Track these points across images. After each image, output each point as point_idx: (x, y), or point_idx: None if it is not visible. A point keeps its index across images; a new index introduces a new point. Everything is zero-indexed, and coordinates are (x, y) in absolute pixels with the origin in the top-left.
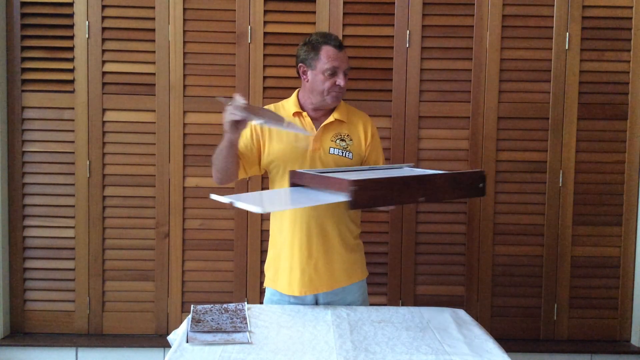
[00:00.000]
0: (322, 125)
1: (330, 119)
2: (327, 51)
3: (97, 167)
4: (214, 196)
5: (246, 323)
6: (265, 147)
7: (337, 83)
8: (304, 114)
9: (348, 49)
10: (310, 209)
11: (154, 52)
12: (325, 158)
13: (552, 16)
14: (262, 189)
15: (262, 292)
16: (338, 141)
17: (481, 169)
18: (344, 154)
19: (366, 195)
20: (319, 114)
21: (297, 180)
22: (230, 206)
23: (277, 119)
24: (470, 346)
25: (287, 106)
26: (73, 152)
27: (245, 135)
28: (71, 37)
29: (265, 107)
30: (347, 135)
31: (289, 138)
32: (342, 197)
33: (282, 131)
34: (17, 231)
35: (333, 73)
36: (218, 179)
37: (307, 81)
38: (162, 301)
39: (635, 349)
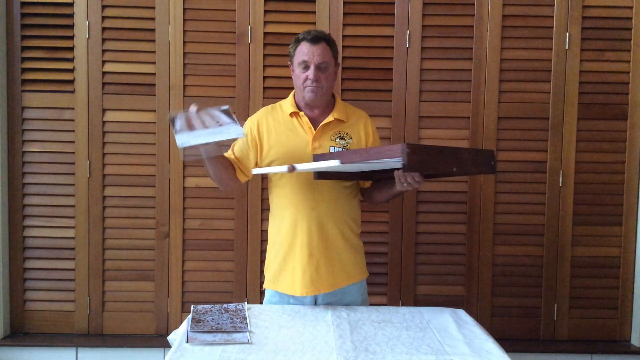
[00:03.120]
0: (321, 124)
1: (330, 118)
2: (301, 46)
3: (97, 167)
4: (255, 170)
5: (246, 323)
6: (263, 148)
7: (307, 77)
8: (301, 113)
9: (348, 49)
10: (311, 210)
11: (154, 52)
12: None
13: (552, 16)
14: (262, 189)
15: (262, 292)
16: (338, 140)
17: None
18: None
19: (416, 159)
20: (316, 114)
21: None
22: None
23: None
24: (470, 346)
25: (285, 106)
26: (73, 152)
27: (241, 140)
28: (71, 37)
29: (263, 108)
30: (347, 134)
31: (289, 139)
32: (391, 163)
33: (280, 132)
34: (17, 231)
35: (305, 67)
36: (221, 186)
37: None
38: (162, 301)
39: (635, 349)
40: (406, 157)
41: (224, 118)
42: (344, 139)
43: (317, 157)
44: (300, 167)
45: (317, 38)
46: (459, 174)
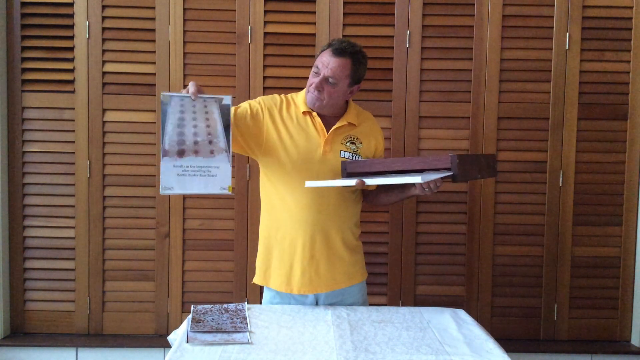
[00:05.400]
0: (333, 128)
1: (343, 122)
2: (325, 52)
3: (97, 167)
4: (309, 183)
5: (246, 323)
6: (270, 138)
7: (313, 83)
8: (314, 114)
9: None
10: (317, 213)
11: (154, 52)
12: (335, 161)
13: (552, 16)
14: None
15: (262, 292)
16: (348, 144)
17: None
18: (354, 157)
19: (463, 169)
20: (328, 116)
21: (358, 168)
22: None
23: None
24: (470, 346)
25: (298, 103)
26: (73, 152)
27: (250, 107)
28: (71, 37)
29: (278, 96)
30: (357, 139)
31: (301, 138)
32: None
33: (292, 128)
34: (17, 231)
35: (317, 73)
36: None
37: None
38: (162, 301)
39: (635, 349)
40: (457, 168)
41: (220, 133)
42: (354, 144)
43: (346, 164)
44: (369, 181)
45: (341, 51)
46: (479, 179)
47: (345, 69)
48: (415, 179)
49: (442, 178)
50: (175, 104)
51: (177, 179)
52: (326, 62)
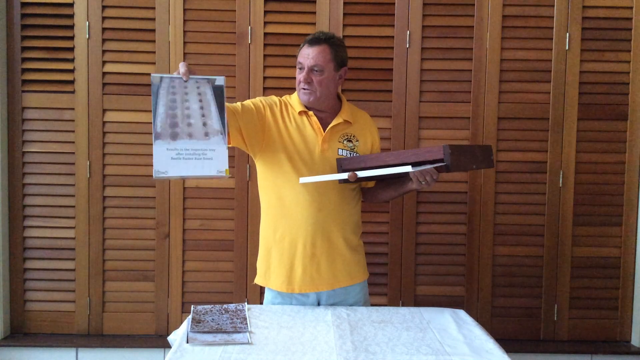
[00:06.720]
0: (330, 126)
1: (339, 119)
2: (302, 47)
3: (97, 168)
4: (303, 179)
5: (246, 323)
6: (272, 139)
7: (301, 79)
8: (310, 113)
9: (348, 49)
10: (317, 212)
11: (154, 52)
12: (334, 159)
13: (552, 16)
14: None
15: (262, 292)
16: (345, 142)
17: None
18: (352, 154)
19: (456, 159)
20: (324, 114)
21: (354, 164)
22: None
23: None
24: (471, 346)
25: (293, 104)
26: (73, 152)
27: (253, 103)
28: (71, 38)
29: (277, 98)
30: (354, 136)
31: (299, 138)
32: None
33: (291, 129)
34: (17, 231)
35: (301, 68)
36: None
37: None
38: (162, 301)
39: (635, 349)
40: (449, 158)
41: (214, 115)
42: (351, 142)
43: (342, 162)
44: (361, 174)
45: (317, 40)
46: (475, 169)
47: (326, 53)
48: (406, 168)
49: (436, 168)
50: (166, 85)
51: (171, 163)
52: (306, 54)
